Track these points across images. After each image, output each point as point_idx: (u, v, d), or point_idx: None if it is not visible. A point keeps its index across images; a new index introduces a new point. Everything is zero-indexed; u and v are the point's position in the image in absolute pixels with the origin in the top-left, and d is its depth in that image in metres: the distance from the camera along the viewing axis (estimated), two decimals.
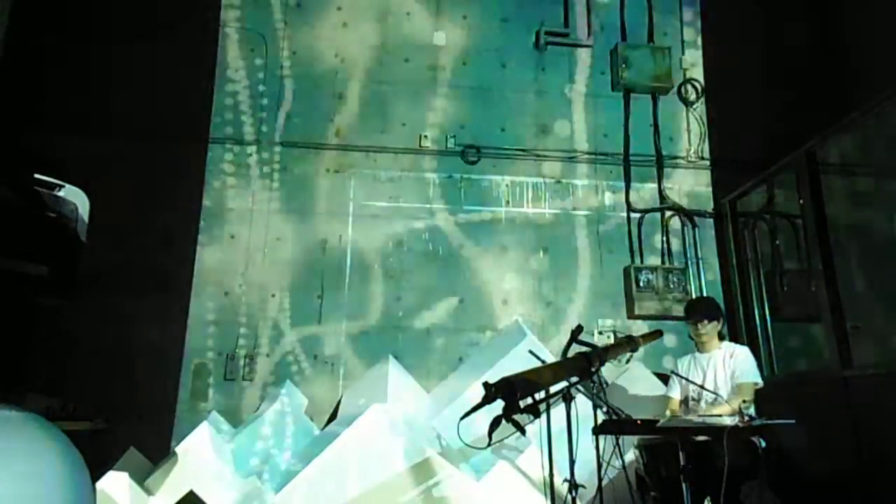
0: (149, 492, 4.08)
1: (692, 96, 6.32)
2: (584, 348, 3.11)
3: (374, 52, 6.13)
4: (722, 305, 4.90)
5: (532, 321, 5.64)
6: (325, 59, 6.08)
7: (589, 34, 6.33)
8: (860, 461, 4.16)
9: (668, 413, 4.19)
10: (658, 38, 6.42)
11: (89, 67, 5.58)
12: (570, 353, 3.13)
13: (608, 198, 6.07)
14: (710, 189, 6.17)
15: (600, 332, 5.62)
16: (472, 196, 5.94)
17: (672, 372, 4.42)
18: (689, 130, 6.27)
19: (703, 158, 6.21)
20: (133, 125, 5.50)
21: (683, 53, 6.44)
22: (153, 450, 4.70)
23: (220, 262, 5.58)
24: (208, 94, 5.85)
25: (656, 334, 4.03)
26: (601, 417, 3.43)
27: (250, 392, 5.33)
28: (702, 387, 4.07)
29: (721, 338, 4.34)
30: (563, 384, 2.99)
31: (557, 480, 3.27)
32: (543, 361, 3.55)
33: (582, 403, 3.17)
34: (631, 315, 5.71)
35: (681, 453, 3.33)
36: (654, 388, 4.91)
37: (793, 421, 3.44)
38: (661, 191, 6.08)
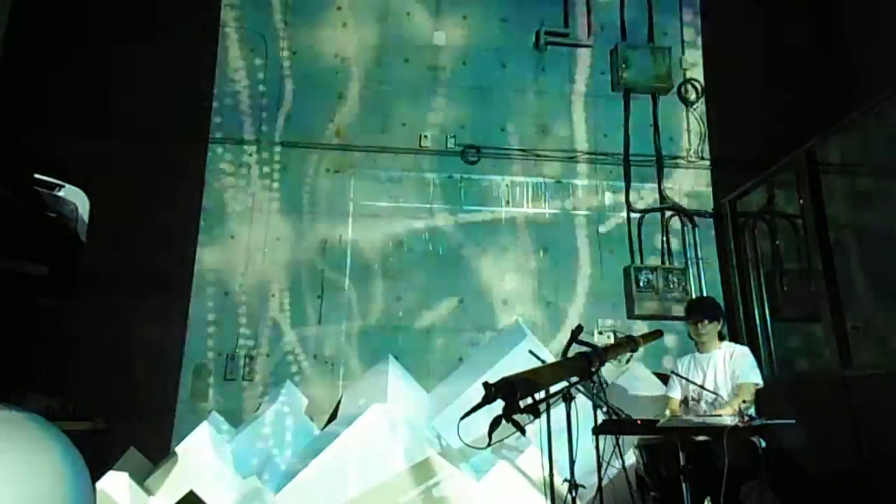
0: (149, 492, 4.07)
1: (692, 96, 6.32)
2: (584, 348, 3.11)
3: (374, 52, 6.13)
4: (722, 305, 4.90)
5: (532, 321, 5.64)
6: (325, 59, 6.08)
7: (589, 34, 6.33)
8: (860, 461, 4.16)
9: (667, 413, 4.19)
10: (658, 38, 6.42)
11: (89, 67, 5.58)
12: (570, 353, 3.13)
13: (608, 198, 6.07)
14: (710, 189, 6.17)
15: (600, 332, 5.62)
16: (472, 196, 5.94)
17: (672, 372, 4.42)
18: (689, 130, 6.27)
19: (703, 158, 6.21)
20: (133, 125, 5.50)
21: (683, 53, 6.44)
22: (153, 450, 4.70)
23: (220, 262, 5.58)
24: (208, 94, 5.85)
25: (656, 334, 4.03)
26: (601, 417, 3.43)
27: (250, 392, 5.33)
28: (702, 387, 4.07)
29: (721, 338, 4.34)
30: (563, 384, 2.99)
31: (557, 480, 3.27)
32: (543, 361, 3.55)
33: (582, 403, 3.17)
34: (631, 315, 5.71)
35: (681, 453, 3.33)
36: (654, 388, 4.91)
37: (793, 421, 3.44)
38: (661, 191, 6.09)
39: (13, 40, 5.18)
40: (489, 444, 2.56)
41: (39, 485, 2.67)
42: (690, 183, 6.17)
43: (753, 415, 3.61)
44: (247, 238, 5.65)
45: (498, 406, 2.48)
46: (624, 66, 6.15)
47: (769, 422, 3.45)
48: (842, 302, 4.59)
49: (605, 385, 3.22)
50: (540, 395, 2.74)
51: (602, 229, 5.97)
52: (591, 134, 6.17)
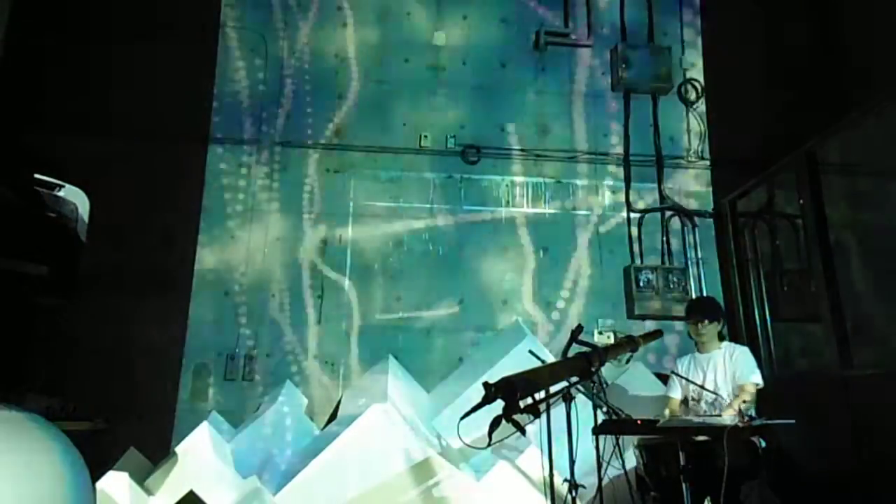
0: (149, 492, 4.07)
1: (692, 96, 6.32)
2: (584, 348, 3.11)
3: (374, 52, 6.13)
4: (722, 305, 4.90)
5: (532, 321, 5.64)
6: (325, 58, 6.08)
7: (589, 34, 6.33)
8: (860, 461, 4.16)
9: (667, 413, 4.19)
10: (658, 38, 6.41)
11: (89, 67, 5.58)
12: (570, 353, 3.13)
13: (608, 198, 6.07)
14: (710, 189, 6.17)
15: (600, 332, 5.62)
16: (472, 196, 5.94)
17: (672, 372, 4.42)
18: (689, 130, 6.27)
19: (703, 158, 6.21)
20: (133, 125, 5.50)
21: (683, 53, 6.44)
22: (153, 450, 4.70)
23: (220, 262, 5.58)
24: (208, 94, 5.85)
25: (656, 334, 4.03)
26: (601, 417, 3.43)
27: (250, 392, 5.33)
28: (702, 387, 4.07)
29: (721, 338, 4.34)
30: (563, 384, 2.99)
31: (557, 480, 3.27)
32: (543, 361, 3.55)
33: (582, 403, 3.17)
34: (631, 315, 5.71)
35: (681, 453, 3.33)
36: (654, 388, 4.91)
37: (793, 421, 3.43)
38: (661, 191, 6.08)
39: (13, 40, 5.18)
40: (489, 444, 2.56)
41: (39, 485, 2.67)
42: (690, 183, 6.17)
43: (753, 415, 3.61)
44: (247, 238, 5.65)
45: (498, 406, 2.48)
46: (624, 66, 6.15)
47: (769, 422, 3.45)
48: (842, 302, 4.59)
49: (605, 385, 3.22)
50: (540, 395, 2.74)
51: (602, 229, 5.97)
52: (591, 134, 6.17)
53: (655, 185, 6.09)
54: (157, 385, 5.21)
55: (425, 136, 5.98)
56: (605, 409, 3.35)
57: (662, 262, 5.92)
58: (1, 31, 5.04)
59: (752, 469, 3.47)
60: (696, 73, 6.41)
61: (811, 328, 5.14)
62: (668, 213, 6.05)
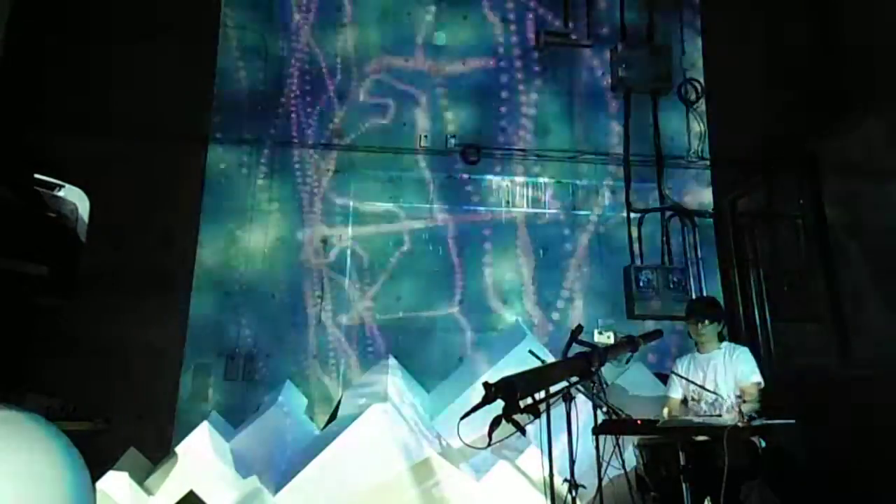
0: (149, 492, 4.07)
1: (692, 96, 6.32)
2: (584, 348, 3.11)
3: (374, 52, 6.13)
4: (722, 306, 4.90)
5: (532, 321, 5.64)
6: (325, 58, 6.08)
7: (589, 34, 6.33)
8: (860, 461, 4.16)
9: (665, 412, 4.17)
10: (658, 38, 6.41)
11: (89, 67, 5.58)
12: (570, 353, 3.13)
13: (608, 198, 6.07)
14: (710, 189, 6.17)
15: (600, 332, 5.61)
16: (472, 196, 5.94)
17: (672, 372, 4.41)
18: (689, 130, 6.27)
19: (703, 158, 6.21)
20: (133, 125, 5.49)
21: (683, 53, 6.43)
22: (153, 450, 4.70)
23: (220, 262, 5.58)
24: (208, 94, 5.85)
25: (656, 334, 4.02)
26: (601, 417, 3.43)
27: (250, 392, 5.33)
28: (702, 387, 4.07)
29: (721, 338, 4.34)
30: (563, 384, 2.99)
31: (557, 480, 3.27)
32: (543, 361, 3.55)
33: (582, 403, 3.17)
34: (631, 315, 5.70)
35: (681, 453, 3.33)
36: (654, 388, 4.91)
37: (793, 421, 3.43)
38: (661, 191, 6.08)
39: (13, 40, 5.17)
40: (489, 444, 2.56)
41: (39, 485, 2.67)
42: (690, 183, 6.17)
43: (754, 415, 3.61)
44: (247, 238, 5.65)
45: (498, 406, 2.48)
46: (624, 66, 6.15)
47: (769, 422, 3.46)
48: (842, 302, 4.59)
49: (605, 385, 3.22)
50: (540, 395, 2.74)
51: (602, 229, 5.97)
52: (591, 134, 6.17)
53: (655, 185, 6.09)
54: (157, 385, 5.21)
55: (425, 136, 5.98)
56: (605, 409, 3.34)
57: (662, 262, 5.92)
58: (1, 31, 5.03)
59: (752, 469, 3.47)
60: (696, 73, 6.41)
61: (811, 328, 5.14)
62: (668, 213, 6.05)
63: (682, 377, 4.25)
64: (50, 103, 5.46)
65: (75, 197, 3.26)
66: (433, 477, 4.05)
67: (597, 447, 3.22)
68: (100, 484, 3.76)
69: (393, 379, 4.83)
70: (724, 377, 4.12)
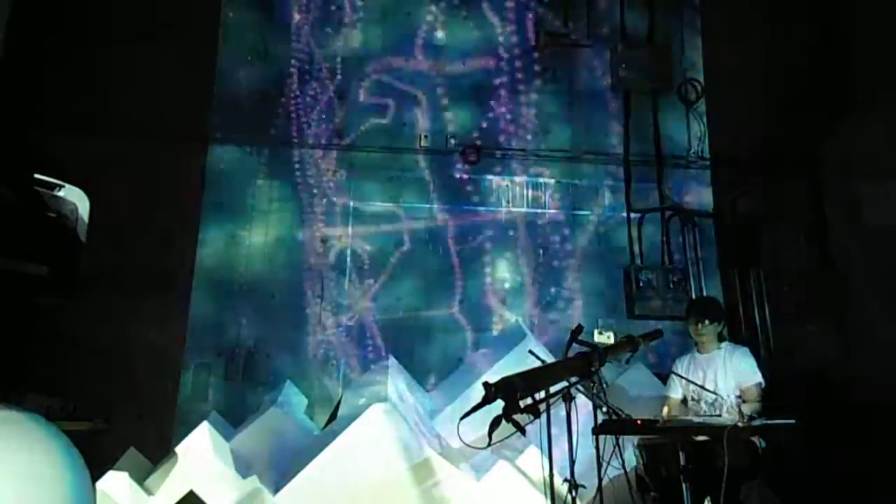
0: (149, 492, 4.06)
1: (692, 96, 6.31)
2: (584, 348, 3.10)
3: (374, 52, 6.13)
4: (723, 306, 4.89)
5: (532, 321, 5.64)
6: (326, 58, 6.08)
7: (589, 34, 6.32)
8: (860, 461, 4.16)
9: (664, 412, 4.16)
10: (658, 38, 6.41)
11: (89, 67, 5.58)
12: (570, 353, 3.13)
13: (608, 198, 6.07)
14: (710, 189, 6.17)
15: (600, 332, 5.60)
16: (472, 196, 5.94)
17: (672, 372, 4.41)
18: (690, 130, 6.27)
19: (703, 158, 6.21)
20: (133, 125, 5.49)
21: (683, 53, 6.43)
22: (153, 450, 4.69)
23: (221, 262, 5.58)
24: (208, 94, 5.85)
25: (656, 334, 4.01)
26: (601, 417, 3.43)
27: (250, 392, 5.33)
28: (702, 387, 4.07)
29: (721, 338, 4.34)
30: (563, 384, 2.99)
31: (557, 480, 3.27)
32: (543, 361, 3.54)
33: (582, 403, 3.17)
34: (631, 315, 5.70)
35: (681, 453, 3.33)
36: (654, 388, 4.90)
37: (793, 421, 3.43)
38: (661, 191, 6.08)
39: (13, 40, 5.17)
40: (489, 444, 2.56)
41: (39, 485, 2.67)
42: (690, 183, 6.17)
43: (754, 415, 3.61)
44: (247, 238, 5.65)
45: (498, 406, 2.48)
46: (624, 66, 6.15)
47: (769, 422, 3.45)
48: (842, 302, 4.59)
49: (605, 385, 3.22)
50: (540, 395, 2.74)
51: (602, 229, 5.97)
52: (591, 134, 6.17)
53: (655, 185, 6.09)
54: (157, 385, 5.22)
55: (425, 136, 5.98)
56: (605, 409, 3.34)
57: (662, 262, 5.92)
58: (1, 31, 5.03)
59: (752, 469, 3.47)
60: (696, 73, 6.41)
61: (811, 328, 5.14)
62: (668, 213, 6.05)
63: (681, 377, 4.25)
64: (50, 103, 5.45)
65: (75, 197, 3.26)
66: (433, 477, 4.05)
67: (597, 447, 3.22)
68: (100, 484, 3.76)
69: (393, 379, 4.82)
70: (724, 377, 4.12)
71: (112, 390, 4.93)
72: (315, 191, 5.82)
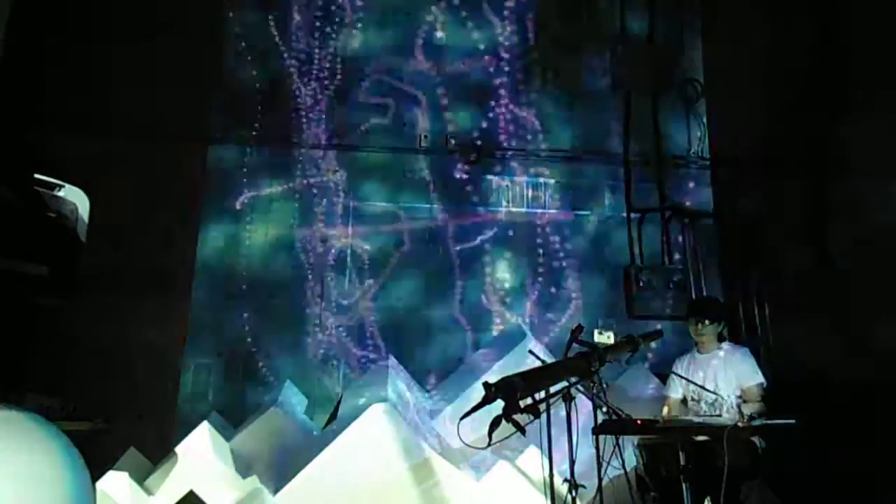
0: (149, 492, 4.07)
1: (692, 96, 6.31)
2: (584, 348, 3.10)
3: (374, 52, 6.13)
4: (724, 306, 4.89)
5: (532, 321, 5.64)
6: (325, 58, 6.08)
7: (589, 34, 6.32)
8: (860, 461, 4.16)
9: (664, 411, 4.16)
10: (658, 38, 6.41)
11: (89, 67, 5.58)
12: (570, 353, 3.13)
13: (608, 198, 6.07)
14: (710, 189, 6.17)
15: (600, 332, 5.60)
16: (472, 196, 5.94)
17: (672, 372, 4.41)
18: (690, 130, 6.27)
19: (703, 158, 6.21)
20: (133, 125, 5.49)
21: (683, 53, 6.43)
22: (153, 450, 4.69)
23: (221, 263, 5.58)
24: (208, 94, 5.85)
25: (656, 334, 4.01)
26: (601, 417, 3.43)
27: (250, 392, 5.33)
28: (702, 387, 4.07)
29: (721, 338, 4.33)
30: (563, 384, 2.99)
31: (557, 480, 3.27)
32: (543, 361, 3.54)
33: (582, 403, 3.16)
34: (631, 315, 5.70)
35: (681, 453, 3.33)
36: (654, 388, 4.90)
37: (793, 421, 3.43)
38: (661, 191, 6.08)
39: (13, 40, 5.17)
40: (489, 444, 2.56)
41: (39, 485, 2.67)
42: (690, 183, 6.17)
43: (754, 415, 3.61)
44: (247, 238, 5.64)
45: (498, 406, 2.48)
46: (624, 66, 6.15)
47: (769, 422, 3.45)
48: (842, 302, 4.59)
49: (605, 385, 3.22)
50: (540, 395, 2.74)
51: (602, 229, 5.97)
52: (591, 134, 6.17)
53: (655, 185, 6.09)
54: (157, 385, 5.22)
55: (425, 136, 5.98)
56: (605, 409, 3.34)
57: (662, 262, 5.92)
58: (1, 31, 5.03)
59: (752, 469, 3.47)
60: (696, 73, 6.41)
61: (811, 328, 5.14)
62: (668, 213, 6.04)
63: (681, 377, 4.25)
64: (50, 103, 5.46)
65: (75, 197, 3.26)
66: (433, 477, 4.05)
67: (597, 447, 3.22)
68: (100, 484, 3.76)
69: (393, 379, 4.83)
70: (725, 377, 4.12)
71: (112, 390, 4.93)
72: (315, 191, 5.82)
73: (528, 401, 2.59)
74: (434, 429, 4.58)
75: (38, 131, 5.14)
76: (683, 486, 3.28)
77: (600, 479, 3.09)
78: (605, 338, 5.30)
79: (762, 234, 5.80)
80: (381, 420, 4.18)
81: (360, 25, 6.16)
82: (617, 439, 3.27)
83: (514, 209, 5.95)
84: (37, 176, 3.12)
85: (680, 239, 6.02)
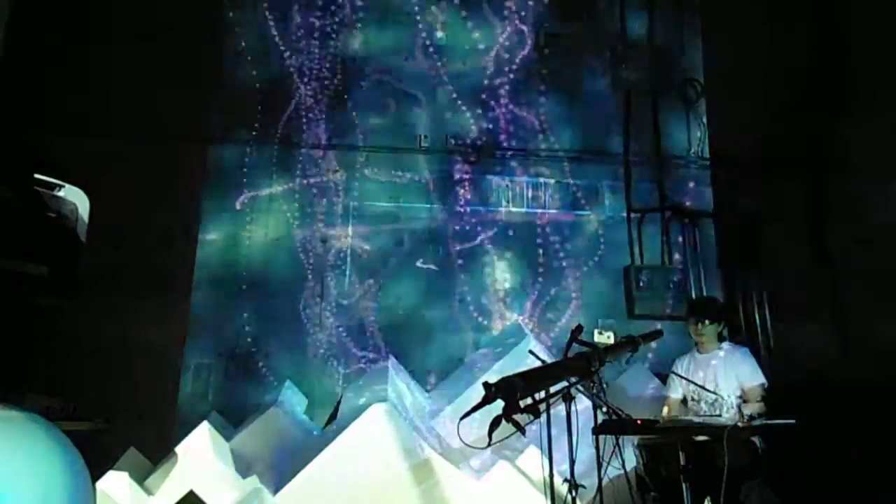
0: (149, 492, 4.07)
1: (692, 96, 6.31)
2: (584, 348, 3.10)
3: (374, 52, 6.13)
4: (725, 306, 4.89)
5: (532, 321, 5.64)
6: (326, 58, 6.07)
7: (589, 34, 6.32)
8: (860, 461, 4.16)
9: (664, 411, 4.17)
10: (658, 39, 6.41)
11: (89, 67, 5.58)
12: (570, 353, 3.12)
13: (608, 198, 6.07)
14: (710, 189, 6.17)
15: (600, 332, 5.60)
16: (472, 196, 5.94)
17: (672, 372, 4.41)
18: (690, 130, 6.27)
19: (703, 158, 6.21)
20: (133, 125, 5.49)
21: (683, 53, 6.43)
22: (153, 450, 4.69)
23: (221, 262, 5.58)
24: (209, 93, 5.85)
25: (656, 334, 4.01)
26: (601, 417, 3.42)
27: (250, 392, 5.33)
28: (702, 387, 4.07)
29: (721, 338, 4.33)
30: (563, 384, 2.99)
31: (557, 480, 3.27)
32: (543, 361, 3.54)
33: (582, 403, 3.16)
34: (631, 315, 5.70)
35: (681, 453, 3.33)
36: (654, 388, 4.90)
37: (793, 421, 3.43)
38: (661, 191, 6.08)
39: (13, 40, 5.18)
40: (489, 444, 2.56)
41: (39, 485, 2.67)
42: (690, 183, 6.16)
43: (754, 415, 3.61)
44: (247, 238, 5.64)
45: (498, 406, 2.48)
46: (624, 66, 6.15)
47: (769, 422, 3.45)
48: (842, 302, 4.59)
49: (605, 385, 3.22)
50: (540, 395, 2.74)
51: (602, 229, 5.97)
52: (591, 134, 6.17)
53: (655, 185, 6.08)
54: (157, 385, 5.22)
55: (425, 137, 5.98)
56: (605, 409, 3.34)
57: (662, 262, 5.92)
58: (1, 31, 5.03)
59: (752, 469, 3.47)
60: (697, 73, 6.41)
61: (811, 328, 5.14)
62: (668, 213, 6.04)
63: (681, 377, 4.24)
64: (50, 103, 5.46)
65: (75, 197, 3.26)
66: (433, 477, 4.05)
67: (597, 447, 3.22)
68: (100, 484, 3.76)
69: (393, 379, 4.83)
70: (725, 377, 4.11)
71: (112, 390, 4.93)
72: (315, 191, 5.82)
73: (528, 401, 2.59)
74: (434, 429, 4.58)
75: (38, 131, 5.14)
76: (683, 486, 3.28)
77: (600, 479, 3.09)
78: (605, 338, 5.31)
79: (762, 234, 5.80)
80: (381, 420, 4.18)
81: (360, 25, 6.16)
82: (617, 439, 3.27)
83: (514, 209, 5.95)
84: (37, 176, 3.13)
85: (680, 239, 6.01)
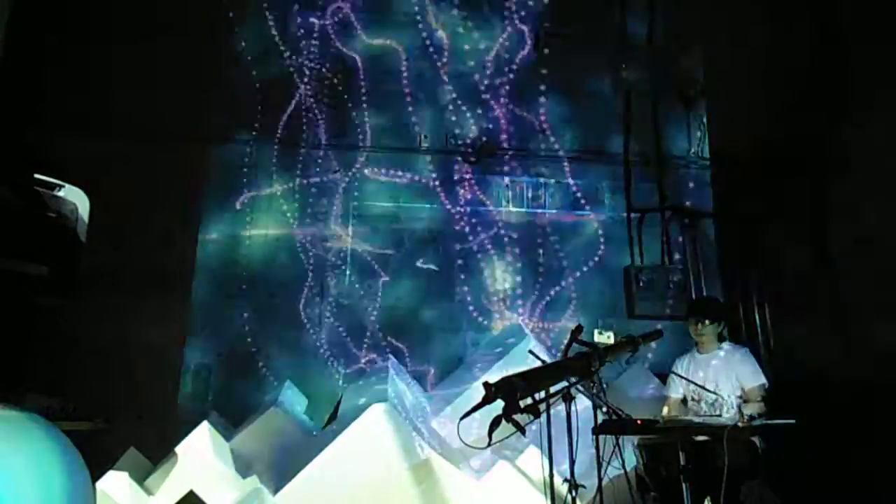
0: (149, 492, 4.07)
1: (692, 96, 6.30)
2: (584, 348, 3.10)
3: (375, 52, 6.13)
4: (725, 306, 4.89)
5: (532, 321, 5.64)
6: (326, 58, 6.07)
7: (589, 34, 6.32)
8: (860, 461, 4.16)
9: (664, 411, 4.16)
10: (658, 38, 6.40)
11: (89, 67, 5.58)
12: (570, 353, 3.12)
13: (608, 198, 6.07)
14: (710, 189, 6.16)
15: (600, 332, 5.59)
16: (472, 196, 5.94)
17: (672, 372, 4.41)
18: (690, 130, 6.26)
19: (703, 158, 6.21)
20: (133, 125, 5.49)
21: (683, 53, 6.42)
22: (153, 450, 4.69)
23: (221, 262, 5.58)
24: (208, 94, 5.85)
25: (656, 334, 4.01)
26: (601, 417, 3.42)
27: (250, 392, 5.33)
28: (702, 387, 4.07)
29: (721, 338, 4.33)
30: (563, 384, 2.99)
31: (557, 480, 3.27)
32: (543, 361, 3.54)
33: (582, 403, 3.16)
34: (631, 315, 5.70)
35: (681, 453, 3.33)
36: (654, 388, 4.91)
37: (793, 421, 3.43)
38: (661, 191, 6.07)
39: (13, 40, 5.17)
40: (489, 444, 2.56)
41: (39, 485, 2.67)
42: (690, 183, 6.16)
43: (754, 415, 3.61)
44: (247, 238, 5.65)
45: (498, 406, 2.48)
46: (624, 66, 6.14)
47: (769, 422, 3.46)
48: (842, 302, 4.59)
49: (604, 385, 3.22)
50: (540, 395, 2.74)
51: (602, 229, 5.97)
52: (591, 134, 6.17)
53: (655, 185, 6.08)
54: (157, 385, 5.22)
55: (425, 137, 5.98)
56: (605, 409, 3.34)
57: (662, 262, 5.91)
58: (1, 31, 5.03)
59: (752, 469, 3.47)
60: (696, 73, 6.40)
61: (811, 328, 5.14)
62: (668, 213, 6.04)
63: (681, 377, 4.24)
64: (50, 103, 5.46)
65: (75, 197, 3.26)
66: (433, 477, 4.05)
67: (597, 447, 3.22)
68: (100, 484, 3.76)
69: (393, 379, 4.83)
70: (725, 377, 4.11)
71: (112, 390, 4.93)
72: (315, 191, 5.82)
73: (528, 401, 2.59)
74: (434, 429, 4.58)
75: (38, 131, 5.14)
76: (683, 486, 3.28)
77: (600, 479, 3.09)
78: (605, 338, 5.29)
79: (762, 234, 5.79)
80: (381, 420, 4.19)
81: (361, 25, 6.15)
82: (617, 439, 3.27)
83: (514, 209, 5.95)
84: (37, 176, 3.13)
85: (680, 239, 6.01)
